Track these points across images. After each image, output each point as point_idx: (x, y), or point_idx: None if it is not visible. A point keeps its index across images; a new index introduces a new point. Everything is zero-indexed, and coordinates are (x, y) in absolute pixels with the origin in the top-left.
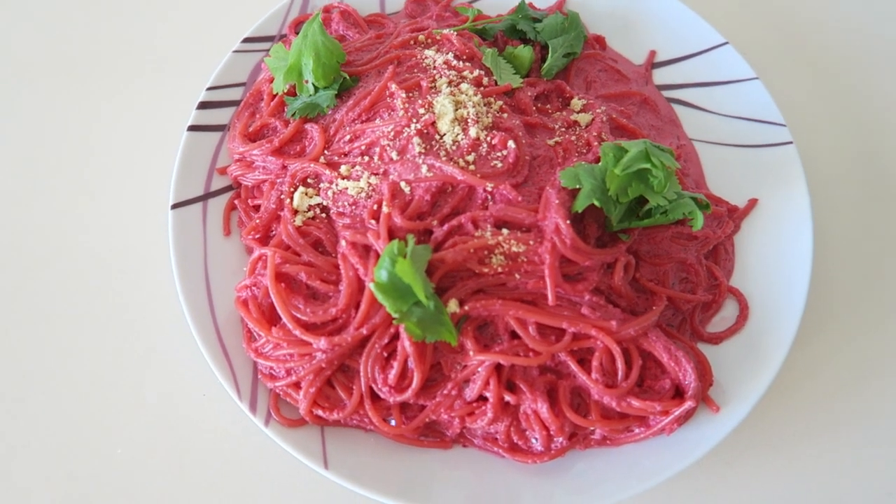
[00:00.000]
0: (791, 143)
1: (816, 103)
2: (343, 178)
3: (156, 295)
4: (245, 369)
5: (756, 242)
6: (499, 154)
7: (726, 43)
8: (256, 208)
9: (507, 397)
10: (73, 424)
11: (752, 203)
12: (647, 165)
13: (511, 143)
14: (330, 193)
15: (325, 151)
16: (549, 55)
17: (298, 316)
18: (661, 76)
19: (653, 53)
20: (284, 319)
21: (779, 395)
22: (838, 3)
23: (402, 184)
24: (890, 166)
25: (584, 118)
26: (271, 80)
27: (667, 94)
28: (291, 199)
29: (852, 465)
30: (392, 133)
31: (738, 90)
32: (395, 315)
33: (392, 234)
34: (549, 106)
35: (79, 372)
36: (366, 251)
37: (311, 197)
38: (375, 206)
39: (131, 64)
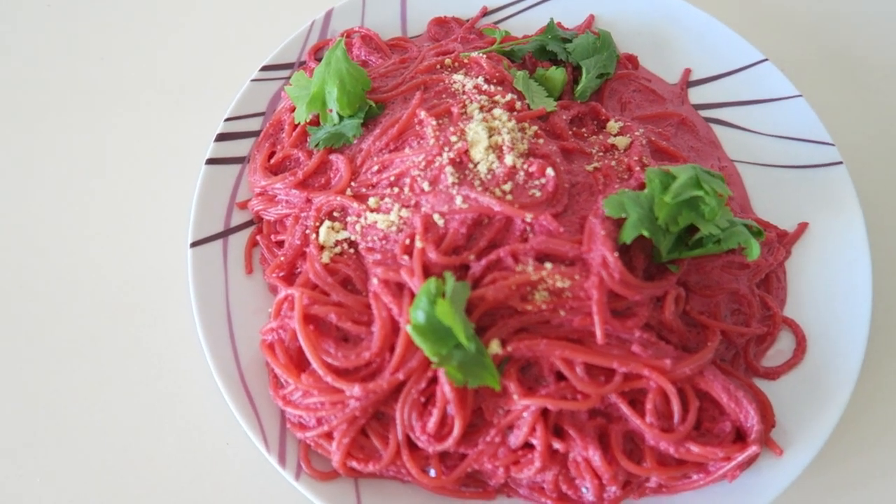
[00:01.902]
0: (841, 162)
1: (863, 120)
2: (372, 211)
3: (176, 337)
4: (272, 418)
5: (809, 269)
6: (537, 182)
7: (765, 59)
8: (279, 244)
9: (556, 444)
10: (90, 475)
11: (803, 227)
12: (699, 193)
13: (550, 171)
14: (358, 227)
15: (352, 183)
16: (583, 76)
17: (329, 361)
18: (697, 95)
19: (688, 71)
20: (314, 365)
21: (840, 433)
22: (876, 15)
23: (436, 216)
24: None
25: (621, 142)
26: (292, 110)
27: (704, 113)
28: (317, 234)
29: None
30: (423, 162)
31: (780, 108)
32: (434, 359)
33: (427, 271)
34: (584, 129)
35: (96, 419)
36: (399, 289)
37: (337, 231)
38: (408, 241)
39: (146, 97)
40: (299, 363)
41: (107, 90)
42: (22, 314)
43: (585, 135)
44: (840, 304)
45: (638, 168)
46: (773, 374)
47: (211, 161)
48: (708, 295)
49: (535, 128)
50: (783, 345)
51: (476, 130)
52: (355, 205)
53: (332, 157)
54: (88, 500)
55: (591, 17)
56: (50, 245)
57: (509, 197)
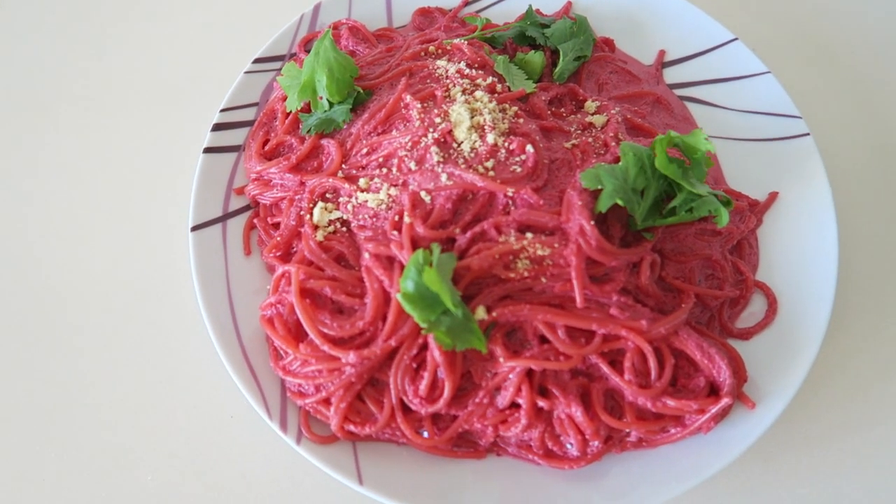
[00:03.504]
0: (808, 134)
1: (828, 94)
2: (362, 191)
3: (178, 319)
4: (273, 388)
5: (779, 236)
6: (517, 159)
7: (735, 39)
8: (275, 226)
9: (541, 403)
10: (101, 453)
11: (773, 196)
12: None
13: (529, 148)
14: (350, 207)
15: (343, 165)
16: (560, 59)
17: (325, 331)
18: (671, 75)
19: (662, 53)
20: (311, 335)
21: (812, 389)
22: None
23: (423, 193)
24: None
25: (598, 120)
26: (284, 99)
27: (679, 92)
28: (311, 214)
29: (892, 457)
30: (409, 144)
31: (750, 85)
32: (423, 325)
33: (415, 244)
34: (563, 109)
35: (104, 399)
36: (390, 262)
37: (330, 211)
38: (397, 217)
39: (144, 90)
40: (297, 335)
41: (110, 86)
42: (38, 300)
43: (564, 114)
44: (808, 268)
45: (613, 143)
46: (746, 335)
47: (208, 150)
48: (682, 261)
49: (515, 108)
50: (755, 307)
51: (459, 112)
52: (347, 186)
53: (324, 141)
54: (104, 470)
55: (569, 3)
56: (60, 234)
57: (492, 173)
